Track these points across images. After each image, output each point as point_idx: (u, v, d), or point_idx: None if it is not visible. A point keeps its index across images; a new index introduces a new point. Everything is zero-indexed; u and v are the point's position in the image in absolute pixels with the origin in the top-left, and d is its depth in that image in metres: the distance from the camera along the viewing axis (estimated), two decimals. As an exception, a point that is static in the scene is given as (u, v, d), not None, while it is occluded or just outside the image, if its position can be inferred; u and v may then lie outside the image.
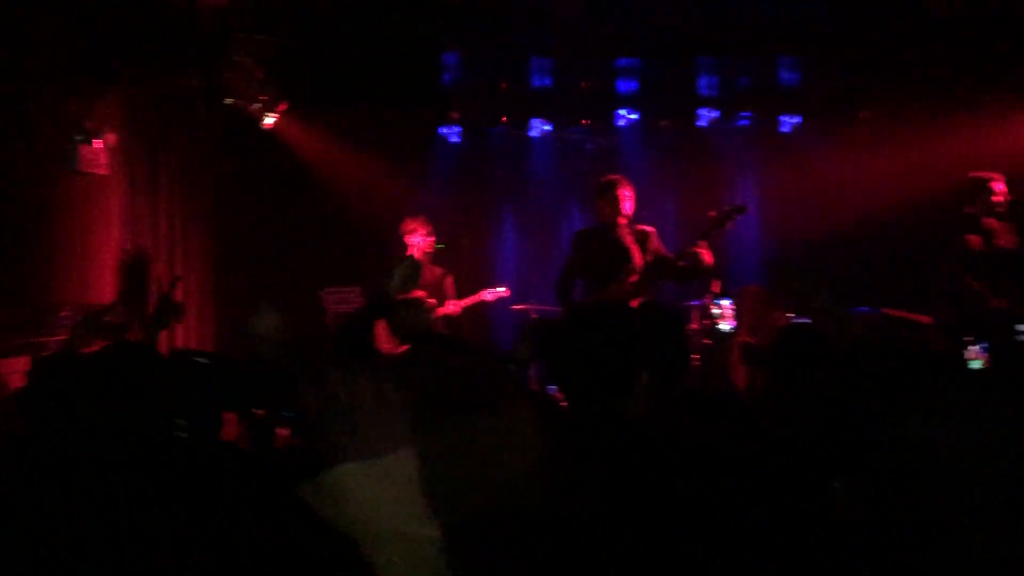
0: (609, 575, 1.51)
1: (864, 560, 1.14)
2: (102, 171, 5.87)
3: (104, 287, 5.99)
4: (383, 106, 7.16)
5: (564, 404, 2.05)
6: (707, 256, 5.41)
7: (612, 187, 5.64)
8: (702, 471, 1.89)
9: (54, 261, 5.61)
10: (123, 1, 5.60)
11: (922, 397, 1.15)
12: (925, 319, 5.29)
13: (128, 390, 1.76)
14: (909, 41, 6.62)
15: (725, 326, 5.63)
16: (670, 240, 6.01)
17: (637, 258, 5.58)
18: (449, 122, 8.06)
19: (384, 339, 2.84)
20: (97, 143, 5.78)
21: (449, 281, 6.86)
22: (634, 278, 5.52)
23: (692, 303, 6.29)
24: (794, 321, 4.57)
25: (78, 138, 5.67)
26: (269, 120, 6.94)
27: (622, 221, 5.65)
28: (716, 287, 6.11)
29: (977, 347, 4.42)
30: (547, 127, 8.18)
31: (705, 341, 5.92)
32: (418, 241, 6.64)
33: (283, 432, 3.00)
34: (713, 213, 5.57)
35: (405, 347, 2.81)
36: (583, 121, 8.37)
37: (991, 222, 5.66)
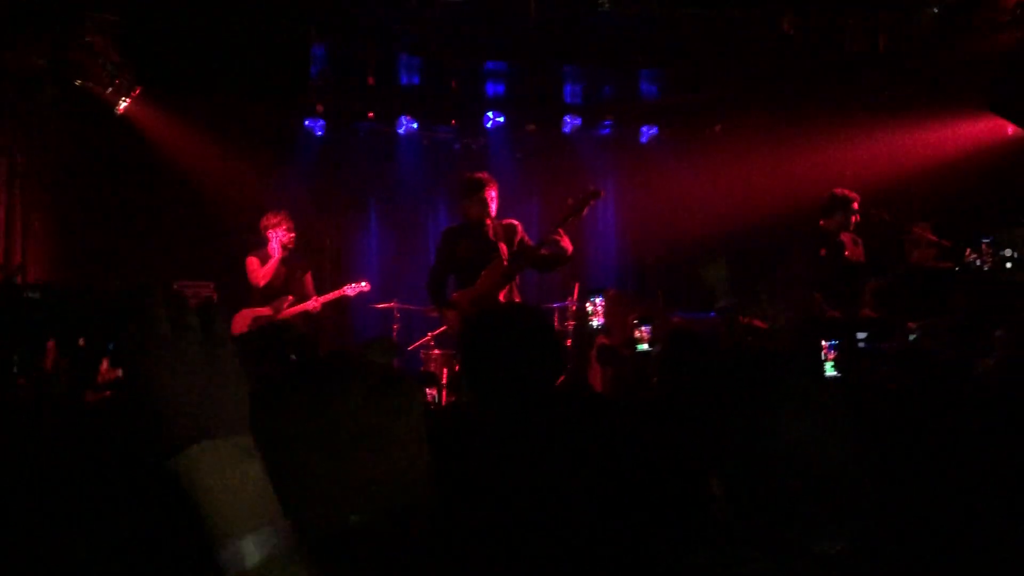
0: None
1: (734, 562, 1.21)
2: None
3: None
4: (245, 96, 6.94)
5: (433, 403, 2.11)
6: (566, 243, 5.62)
7: (479, 187, 5.73)
8: (553, 468, 1.98)
9: None
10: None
11: (779, 398, 1.25)
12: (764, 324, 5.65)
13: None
14: (760, 58, 7.02)
15: (595, 323, 5.82)
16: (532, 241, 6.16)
17: (504, 251, 5.72)
18: (315, 115, 7.92)
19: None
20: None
21: (308, 277, 6.79)
22: (502, 268, 5.65)
23: (554, 305, 6.47)
24: (678, 326, 4.80)
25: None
26: (123, 105, 6.60)
27: (488, 221, 5.76)
28: (577, 290, 6.33)
29: (827, 345, 4.74)
30: (415, 125, 8.19)
31: (567, 343, 6.10)
32: (279, 236, 6.53)
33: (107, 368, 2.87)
34: (571, 200, 5.76)
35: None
36: (451, 121, 8.42)
37: (845, 237, 6.15)
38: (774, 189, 7.55)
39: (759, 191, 7.70)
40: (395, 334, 6.84)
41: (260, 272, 6.52)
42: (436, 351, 6.37)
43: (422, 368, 6.33)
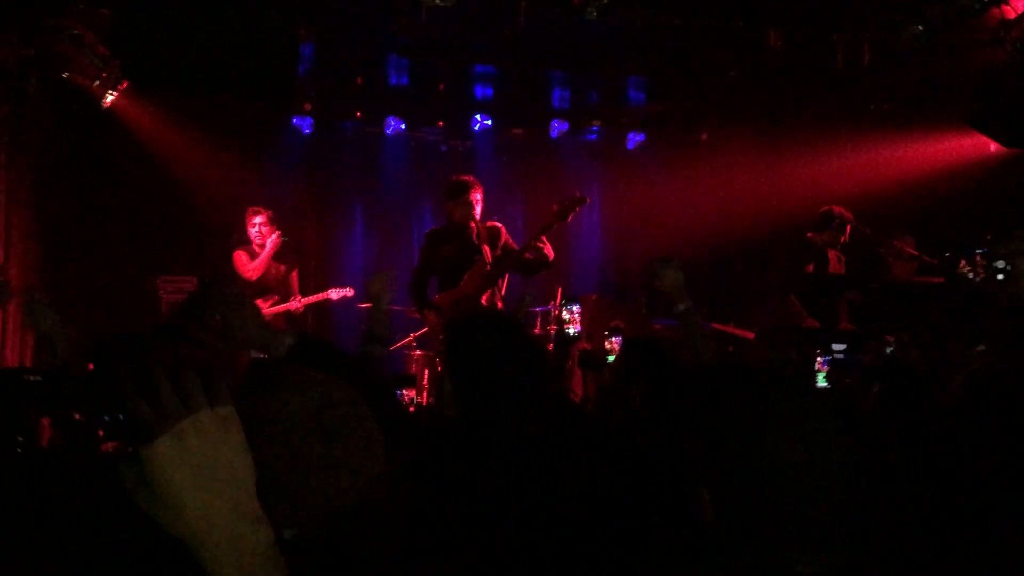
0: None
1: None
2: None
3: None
4: (233, 93, 6.91)
5: (412, 408, 2.13)
6: (548, 250, 5.65)
7: (465, 190, 5.74)
8: (534, 472, 1.99)
9: None
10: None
11: (763, 411, 1.26)
12: (749, 335, 5.69)
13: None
14: (746, 69, 7.07)
15: (572, 330, 5.84)
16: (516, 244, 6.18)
17: (487, 254, 5.73)
18: (302, 113, 7.90)
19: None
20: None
21: (294, 276, 6.78)
22: (485, 271, 5.66)
23: (537, 309, 6.48)
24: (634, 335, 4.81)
25: None
26: (109, 99, 6.56)
27: (472, 224, 5.77)
28: (560, 293, 6.33)
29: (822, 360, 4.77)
30: (402, 126, 8.19)
31: (549, 347, 6.10)
32: (261, 232, 6.51)
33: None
34: (556, 206, 5.78)
35: None
36: (439, 123, 8.42)
37: (831, 254, 6.19)
38: (758, 199, 7.60)
39: (744, 200, 7.75)
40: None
41: (251, 266, 6.49)
42: (418, 352, 6.38)
43: (404, 369, 6.34)
